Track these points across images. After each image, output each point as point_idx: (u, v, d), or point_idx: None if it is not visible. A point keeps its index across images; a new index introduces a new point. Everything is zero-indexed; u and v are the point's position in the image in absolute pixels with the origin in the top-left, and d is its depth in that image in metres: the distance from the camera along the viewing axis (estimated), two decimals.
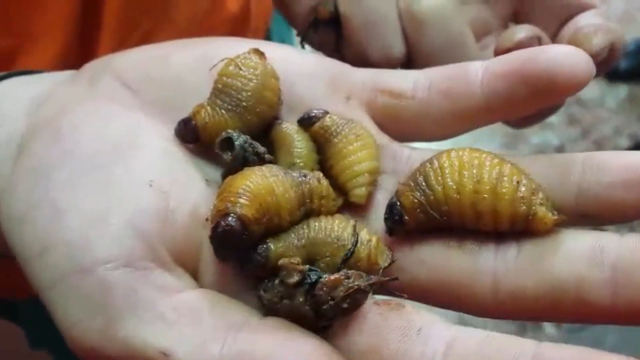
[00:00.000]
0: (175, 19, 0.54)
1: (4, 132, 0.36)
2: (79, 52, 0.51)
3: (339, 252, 0.33)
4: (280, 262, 0.31)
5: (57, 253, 0.31)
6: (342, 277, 0.30)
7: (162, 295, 0.30)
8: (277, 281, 0.31)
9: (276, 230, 0.33)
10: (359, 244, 0.33)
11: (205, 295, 0.31)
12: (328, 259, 0.33)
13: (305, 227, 0.33)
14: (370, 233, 0.34)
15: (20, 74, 0.41)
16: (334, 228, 0.33)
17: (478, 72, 0.36)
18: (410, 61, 0.48)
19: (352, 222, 0.34)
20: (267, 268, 0.32)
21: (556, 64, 0.33)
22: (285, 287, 0.30)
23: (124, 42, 0.51)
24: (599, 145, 1.87)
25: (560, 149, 1.88)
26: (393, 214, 0.34)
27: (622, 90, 2.04)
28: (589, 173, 0.33)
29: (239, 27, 0.62)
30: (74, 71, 0.39)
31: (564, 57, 0.33)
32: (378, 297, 0.32)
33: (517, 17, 0.50)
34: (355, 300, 0.30)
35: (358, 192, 0.35)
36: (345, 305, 0.29)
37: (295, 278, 0.30)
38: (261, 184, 0.32)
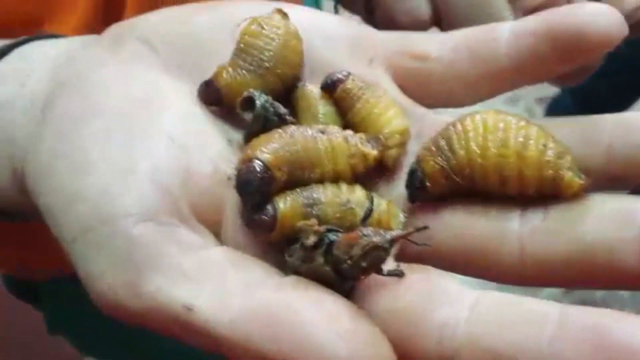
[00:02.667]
0: None
1: (27, 91, 0.37)
2: (104, 19, 0.51)
3: (347, 216, 0.32)
4: (299, 224, 0.30)
5: (82, 205, 0.31)
6: (359, 235, 0.29)
7: (185, 252, 0.30)
8: (297, 244, 0.30)
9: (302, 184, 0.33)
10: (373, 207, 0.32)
11: (228, 253, 0.31)
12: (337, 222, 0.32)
13: (311, 189, 0.33)
14: (380, 197, 0.33)
15: (43, 37, 0.41)
16: (342, 190, 0.33)
17: (505, 32, 0.35)
18: (438, 23, 0.47)
19: (358, 186, 0.33)
20: (273, 229, 0.31)
21: (587, 23, 0.32)
22: (305, 250, 0.30)
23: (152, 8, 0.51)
24: None
25: None
26: (414, 180, 0.33)
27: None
28: (618, 135, 0.32)
29: None
30: (95, 36, 0.39)
31: (595, 15, 0.32)
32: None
33: None
34: (374, 258, 0.29)
35: (388, 154, 0.34)
36: (364, 264, 0.29)
37: (312, 239, 0.30)
38: (283, 137, 0.32)
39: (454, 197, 0.33)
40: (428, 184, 0.33)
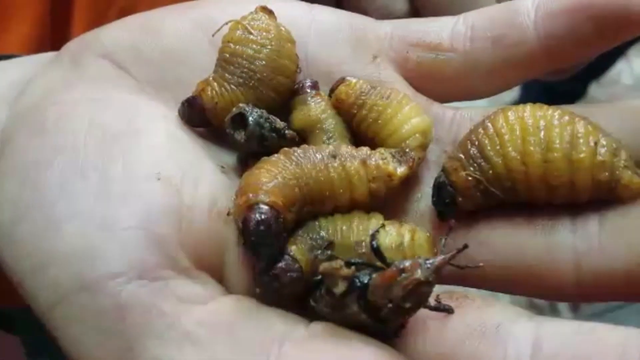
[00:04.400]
0: None
1: None
2: (53, 29, 0.45)
3: (363, 257, 0.28)
4: (321, 268, 0.25)
5: (56, 268, 0.26)
6: (396, 272, 0.24)
7: (185, 309, 0.25)
8: (323, 290, 0.26)
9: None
10: (387, 247, 0.27)
11: (236, 304, 0.26)
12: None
13: (321, 228, 0.28)
14: (401, 227, 0.28)
15: None
16: (354, 230, 0.28)
17: (530, 11, 0.30)
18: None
19: (373, 219, 0.28)
20: (301, 281, 0.27)
21: None
22: (333, 297, 0.25)
23: (98, 22, 0.46)
24: None
25: None
26: (443, 195, 0.28)
27: (637, 67, 1.98)
28: None
29: None
30: (52, 54, 0.34)
31: None
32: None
33: None
34: (419, 296, 0.24)
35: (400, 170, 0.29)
36: (407, 305, 0.24)
37: (341, 287, 0.25)
38: (288, 168, 0.28)
39: (489, 208, 0.29)
40: (460, 198, 0.28)
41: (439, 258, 0.25)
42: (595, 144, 0.27)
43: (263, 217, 0.26)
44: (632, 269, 0.26)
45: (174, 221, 0.27)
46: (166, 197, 0.27)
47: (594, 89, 1.73)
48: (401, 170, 0.29)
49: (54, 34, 0.43)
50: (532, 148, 0.27)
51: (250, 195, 0.27)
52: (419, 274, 0.24)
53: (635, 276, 0.26)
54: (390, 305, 0.24)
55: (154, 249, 0.26)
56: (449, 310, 0.25)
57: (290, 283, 0.26)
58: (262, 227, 0.26)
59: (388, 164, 0.29)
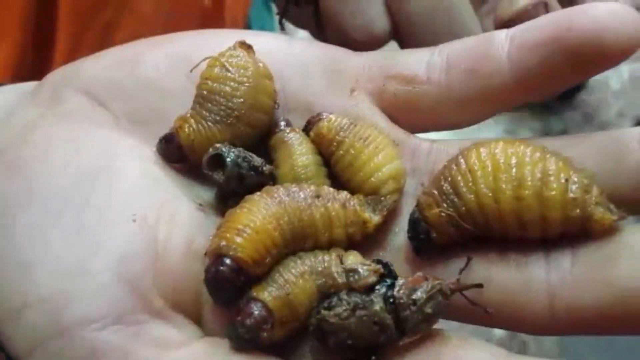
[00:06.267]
0: (139, 10, 0.48)
1: None
2: (34, 50, 0.46)
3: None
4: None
5: (33, 314, 0.26)
6: (422, 277, 0.26)
7: (160, 354, 0.25)
8: (344, 293, 0.27)
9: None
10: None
11: (213, 347, 0.27)
12: None
13: (287, 270, 0.28)
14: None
15: None
16: (333, 267, 0.28)
17: (504, 43, 0.30)
18: (397, 38, 0.41)
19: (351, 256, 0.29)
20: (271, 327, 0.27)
21: (603, 26, 0.27)
22: (359, 295, 0.26)
23: (81, 36, 0.46)
24: (604, 130, 1.81)
25: (563, 134, 1.83)
26: (418, 231, 0.29)
27: (625, 71, 1.99)
28: None
29: (212, 15, 0.56)
30: (34, 84, 0.34)
31: (609, 15, 0.28)
32: None
33: None
34: (437, 305, 0.26)
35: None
36: (429, 310, 0.26)
37: (372, 278, 0.27)
38: (270, 208, 0.28)
39: (465, 242, 0.29)
40: (434, 234, 0.28)
41: (456, 284, 0.27)
42: (567, 180, 0.27)
43: (222, 273, 0.26)
44: (604, 303, 0.26)
45: (149, 263, 0.27)
46: (141, 239, 0.27)
47: (582, 94, 1.73)
48: (375, 218, 0.29)
49: (36, 49, 0.43)
50: (503, 185, 0.27)
51: (223, 243, 0.27)
52: (441, 283, 0.26)
53: (607, 310, 0.26)
54: (413, 307, 0.26)
55: (129, 292, 0.26)
56: (477, 285, 0.27)
57: (254, 326, 0.26)
58: (218, 283, 0.27)
59: (364, 211, 0.29)
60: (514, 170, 0.27)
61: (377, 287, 0.27)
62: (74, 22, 0.47)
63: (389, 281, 0.27)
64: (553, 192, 0.27)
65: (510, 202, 0.27)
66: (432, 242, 0.29)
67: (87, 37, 0.47)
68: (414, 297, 0.26)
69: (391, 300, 0.26)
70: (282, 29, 0.45)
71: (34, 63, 0.35)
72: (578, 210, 0.27)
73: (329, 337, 0.26)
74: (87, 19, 0.48)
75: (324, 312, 0.27)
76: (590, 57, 0.28)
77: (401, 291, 0.26)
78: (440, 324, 0.28)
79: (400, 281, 0.27)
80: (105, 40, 0.49)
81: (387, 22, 0.40)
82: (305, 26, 0.45)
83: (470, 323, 0.29)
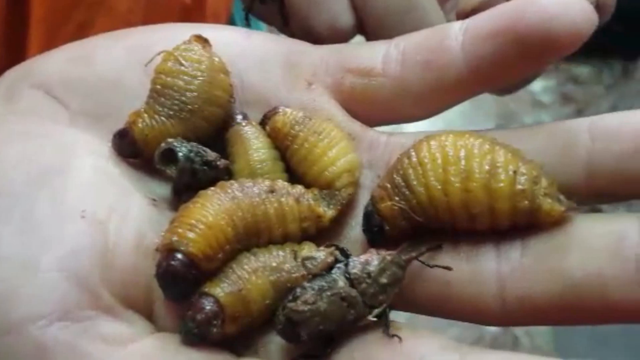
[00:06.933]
0: (114, 8, 0.48)
1: None
2: (7, 49, 0.45)
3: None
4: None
5: None
6: (373, 251, 0.28)
7: (111, 349, 0.25)
8: (306, 282, 0.27)
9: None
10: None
11: (163, 342, 0.27)
12: None
13: (240, 266, 0.28)
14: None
15: None
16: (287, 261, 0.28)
17: (458, 34, 0.30)
18: (362, 32, 0.42)
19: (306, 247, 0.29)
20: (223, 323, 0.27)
21: (553, 15, 0.28)
22: (321, 278, 0.27)
23: (55, 36, 0.46)
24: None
25: None
26: (371, 224, 0.29)
27: (616, 66, 1.99)
28: (597, 144, 0.28)
29: (192, 13, 0.56)
30: None
31: (560, 6, 0.28)
32: None
33: None
34: (393, 276, 0.27)
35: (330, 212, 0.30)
36: (384, 280, 0.27)
37: (330, 257, 0.28)
38: (223, 203, 0.28)
39: (419, 234, 0.29)
40: (387, 227, 0.28)
41: (410, 252, 0.28)
42: (515, 172, 0.27)
43: (173, 267, 0.26)
44: (553, 293, 0.26)
45: (98, 258, 0.27)
46: (90, 235, 0.27)
47: (570, 90, 1.73)
48: (330, 213, 0.29)
49: (8, 49, 0.43)
50: (452, 178, 0.27)
51: (174, 238, 0.27)
52: (391, 256, 0.27)
53: (560, 302, 0.27)
54: (368, 280, 0.27)
55: (77, 289, 0.26)
56: (434, 248, 0.28)
57: (204, 322, 0.26)
58: (169, 277, 0.27)
59: (319, 205, 0.29)
60: (462, 162, 0.27)
61: (335, 267, 0.27)
62: (47, 22, 0.47)
63: (344, 260, 0.28)
64: (501, 184, 0.27)
65: (458, 194, 0.27)
66: (385, 234, 0.29)
67: (60, 37, 0.47)
68: (367, 270, 0.27)
69: (347, 276, 0.27)
70: (248, 24, 0.45)
71: (7, 63, 0.35)
72: (526, 202, 0.27)
73: (301, 328, 0.26)
74: (60, 18, 0.48)
75: (290, 304, 0.27)
76: (541, 47, 0.28)
77: (355, 268, 0.27)
78: (399, 317, 0.28)
79: (353, 258, 0.27)
80: (79, 39, 0.49)
81: (352, 17, 0.40)
82: (271, 21, 0.45)
83: (426, 314, 0.29)
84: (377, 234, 0.29)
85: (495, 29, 0.29)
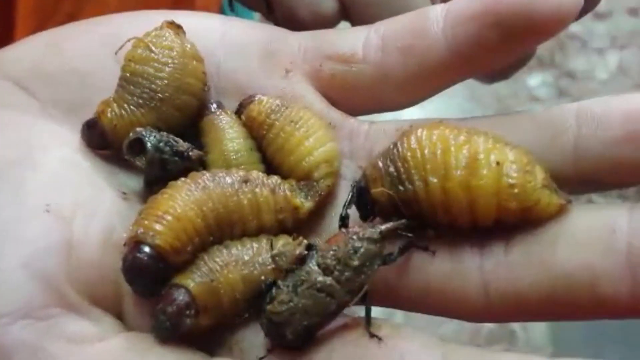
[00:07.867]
0: (103, 0, 0.47)
1: None
2: None
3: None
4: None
5: None
6: (341, 234, 0.26)
7: (74, 350, 0.24)
8: (279, 281, 0.26)
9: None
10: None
11: (132, 342, 0.26)
12: None
13: (212, 259, 0.27)
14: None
15: None
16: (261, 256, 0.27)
17: (439, 19, 0.29)
18: (347, 18, 0.40)
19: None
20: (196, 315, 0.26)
21: None
22: (294, 274, 0.26)
23: (43, 28, 0.44)
24: None
25: None
26: (364, 201, 0.28)
27: (612, 60, 1.99)
28: (584, 130, 0.27)
29: (182, 6, 0.55)
30: None
31: None
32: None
33: None
34: (366, 254, 0.25)
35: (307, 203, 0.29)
36: (356, 262, 0.25)
37: (300, 249, 0.26)
38: (193, 194, 0.27)
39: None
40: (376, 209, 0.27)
41: (387, 224, 0.26)
42: (498, 163, 0.26)
43: (140, 260, 0.25)
44: (539, 288, 0.25)
45: (62, 255, 0.26)
46: (54, 231, 0.26)
47: (567, 85, 1.73)
48: (307, 204, 0.28)
49: None
50: (430, 176, 0.26)
51: (140, 230, 0.26)
52: (363, 232, 0.26)
53: (544, 295, 0.26)
54: (339, 267, 0.25)
55: (40, 286, 0.25)
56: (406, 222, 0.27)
57: (176, 313, 0.25)
58: (135, 271, 0.26)
59: (295, 196, 0.28)
60: (439, 157, 0.26)
61: (307, 258, 0.26)
62: (34, 14, 0.46)
63: (314, 251, 0.26)
64: (482, 180, 0.25)
65: (438, 193, 0.26)
66: (376, 210, 0.28)
67: (49, 29, 0.46)
68: (336, 256, 0.26)
69: (320, 265, 0.26)
70: (232, 10, 0.44)
71: None
72: (516, 190, 0.25)
73: (285, 328, 0.25)
74: (49, 10, 0.47)
75: (268, 307, 0.26)
76: (523, 29, 0.27)
77: (325, 256, 0.26)
78: (397, 316, 0.27)
79: (323, 245, 0.26)
80: None
81: (335, 3, 0.39)
82: (255, 8, 0.44)
83: (407, 310, 0.28)
84: (369, 211, 0.28)
85: (476, 11, 0.28)
